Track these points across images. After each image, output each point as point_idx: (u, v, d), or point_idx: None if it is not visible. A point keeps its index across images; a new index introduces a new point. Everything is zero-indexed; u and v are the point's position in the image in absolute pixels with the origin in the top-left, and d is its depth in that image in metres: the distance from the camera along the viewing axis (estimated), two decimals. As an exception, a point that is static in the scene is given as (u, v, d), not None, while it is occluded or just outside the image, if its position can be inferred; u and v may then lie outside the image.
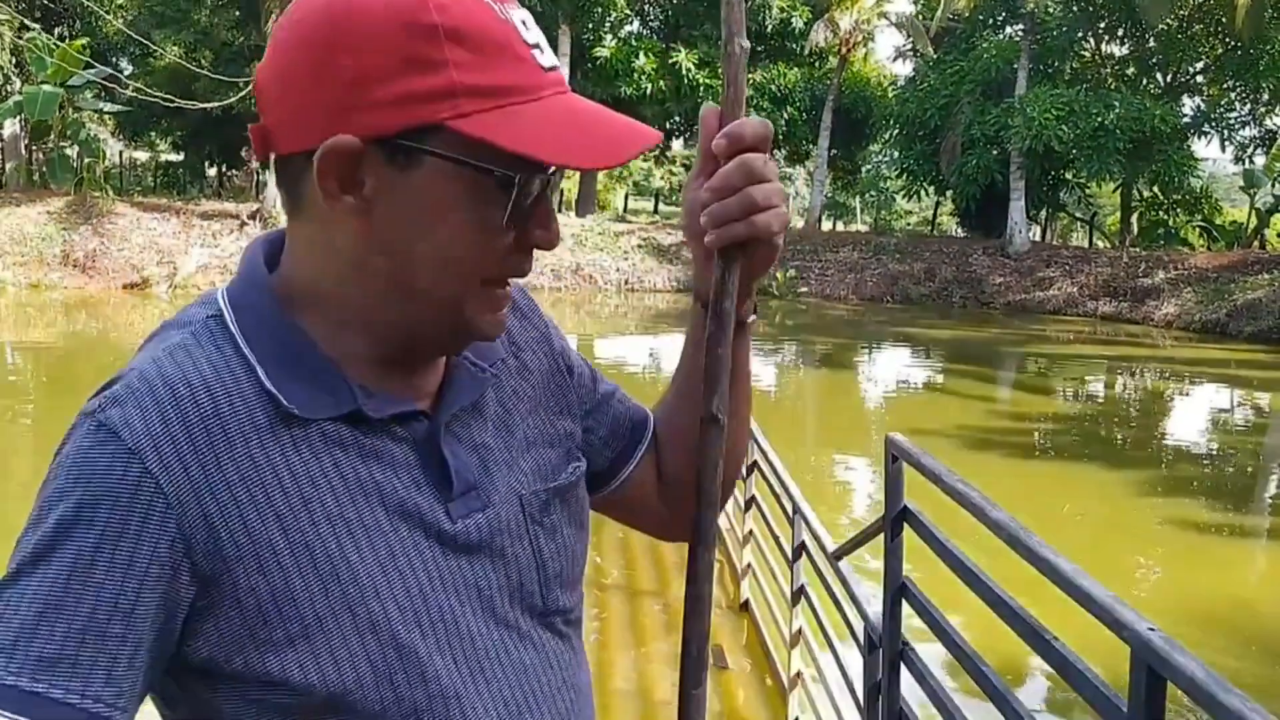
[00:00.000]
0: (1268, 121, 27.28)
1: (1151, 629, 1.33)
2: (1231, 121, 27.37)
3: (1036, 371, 15.80)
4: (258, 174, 27.01)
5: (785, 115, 28.23)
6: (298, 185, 0.77)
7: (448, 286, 0.78)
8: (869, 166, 33.51)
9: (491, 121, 0.73)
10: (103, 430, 0.70)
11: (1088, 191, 30.59)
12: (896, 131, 28.94)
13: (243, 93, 22.35)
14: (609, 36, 28.68)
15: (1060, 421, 11.89)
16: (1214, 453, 10.92)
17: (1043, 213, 31.05)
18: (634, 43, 28.50)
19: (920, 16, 28.56)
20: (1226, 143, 27.54)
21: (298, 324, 0.79)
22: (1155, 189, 27.42)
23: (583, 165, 0.75)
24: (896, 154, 30.21)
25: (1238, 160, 28.32)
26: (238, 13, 24.42)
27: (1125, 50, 28.30)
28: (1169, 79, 27.90)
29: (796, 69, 28.10)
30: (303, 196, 0.77)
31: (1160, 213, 28.73)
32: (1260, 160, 27.64)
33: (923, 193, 30.17)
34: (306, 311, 0.79)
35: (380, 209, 0.75)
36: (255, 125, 0.79)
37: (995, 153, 25.50)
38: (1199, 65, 27.58)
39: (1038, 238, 30.31)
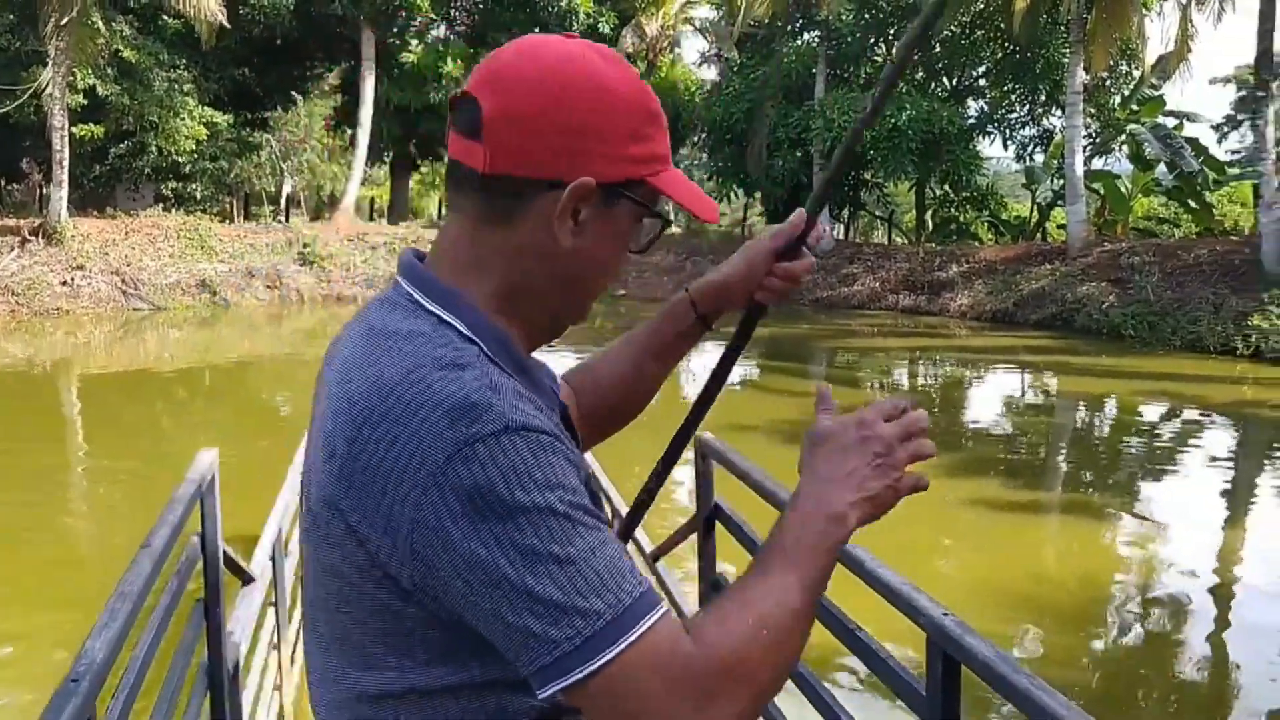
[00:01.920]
0: (1045, 121, 29.26)
1: (945, 614, 1.38)
2: (1012, 121, 29.27)
3: (846, 364, 16.41)
4: (41, 188, 25.32)
5: (596, 120, 28.39)
6: (517, 202, 0.97)
7: (595, 293, 1.05)
8: (679, 170, 34.06)
9: (668, 182, 1.02)
10: (547, 439, 0.89)
11: (885, 191, 32.06)
12: (705, 135, 29.59)
13: (20, 100, 20.87)
14: (414, 41, 28.17)
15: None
16: (1009, 434, 11.59)
17: (845, 211, 32.32)
18: (441, 48, 28.11)
19: (723, 22, 29.27)
20: (1009, 142, 29.47)
21: (499, 326, 1.00)
22: (946, 187, 28.99)
23: (707, 219, 1.07)
24: (705, 157, 30.90)
25: (1019, 158, 30.27)
26: (12, 16, 22.80)
27: (914, 56, 29.74)
28: (954, 83, 29.58)
29: (605, 74, 28.29)
30: (517, 212, 0.97)
31: (952, 209, 30.37)
32: (1040, 158, 29.63)
33: (732, 194, 30.93)
34: (501, 309, 1.00)
35: (584, 234, 0.98)
36: (473, 143, 0.97)
37: (799, 154, 26.41)
38: (981, 69, 29.36)
39: (841, 236, 31.52)
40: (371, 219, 37.09)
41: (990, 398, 14.16)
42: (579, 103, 0.95)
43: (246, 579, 3.14)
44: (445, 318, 0.97)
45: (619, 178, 0.98)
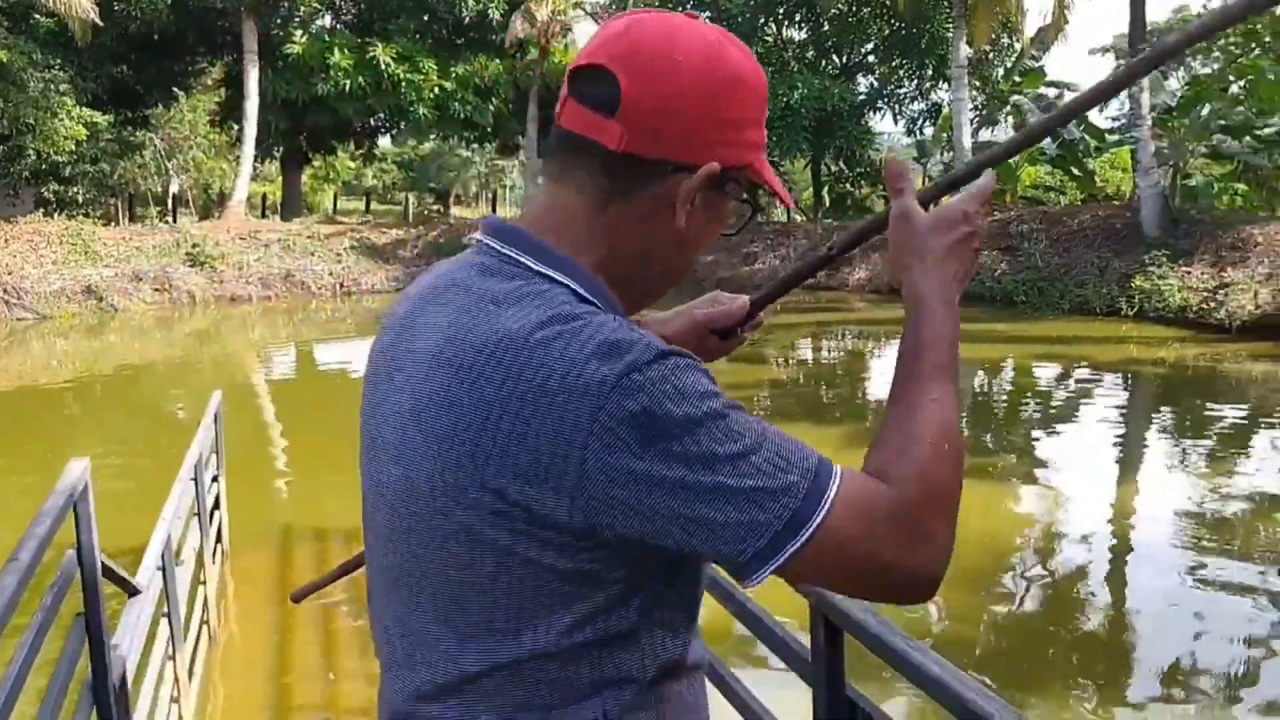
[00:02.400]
0: (933, 95, 29.86)
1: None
2: (901, 96, 29.82)
3: (751, 342, 16.56)
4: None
5: (492, 108, 28.17)
6: (645, 180, 0.99)
7: (684, 271, 1.07)
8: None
9: (766, 168, 1.05)
10: (686, 359, 0.92)
11: (782, 169, 32.42)
12: (601, 119, 29.45)
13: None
14: (299, 32, 27.48)
15: (776, 387, 12.54)
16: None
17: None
18: (327, 38, 27.49)
19: (614, 6, 29.21)
20: (899, 117, 30.00)
21: (610, 293, 1.01)
22: (840, 163, 29.42)
23: (789, 205, 1.34)
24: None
25: (910, 132, 30.88)
26: None
27: (804, 34, 30.14)
28: (844, 60, 29.99)
29: (498, 61, 28.03)
30: (643, 190, 1.00)
31: (847, 185, 30.84)
32: (929, 131, 30.26)
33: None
34: (608, 278, 1.02)
35: (697, 215, 1.01)
36: (604, 118, 0.97)
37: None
38: (870, 46, 29.81)
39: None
40: (264, 216, 36.23)
41: (889, 369, 14.44)
42: (719, 91, 0.98)
43: (132, 590, 3.03)
44: (560, 279, 0.98)
45: (738, 163, 1.02)
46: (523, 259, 0.99)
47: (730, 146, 1.00)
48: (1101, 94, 1.13)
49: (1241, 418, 10.44)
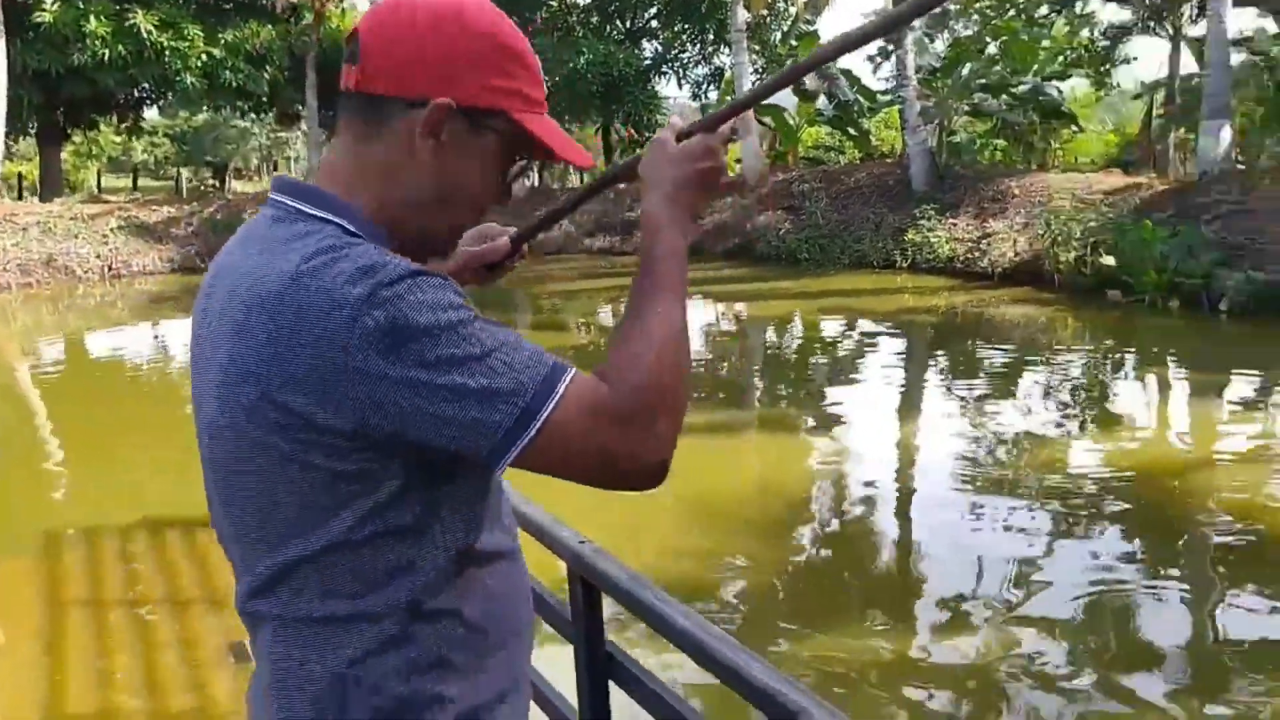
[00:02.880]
0: (715, 60, 30.48)
1: (582, 542, 1.45)
2: (685, 61, 30.31)
3: (550, 309, 16.62)
4: None
5: (266, 76, 26.91)
6: (384, 118, 1.11)
7: (460, 218, 1.19)
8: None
9: (533, 121, 1.14)
10: (434, 277, 1.03)
11: (572, 134, 32.43)
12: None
13: None
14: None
15: (576, 351, 12.62)
16: (707, 360, 12.18)
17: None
18: (81, 5, 25.51)
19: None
20: (684, 81, 30.51)
21: (381, 230, 1.13)
22: (629, 128, 29.70)
23: (579, 163, 1.19)
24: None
25: (695, 97, 31.42)
26: None
27: (587, 0, 30.15)
28: (629, 25, 30.21)
29: (271, 27, 26.75)
30: (385, 127, 1.11)
31: (636, 150, 31.16)
32: (714, 95, 30.90)
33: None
34: (384, 222, 1.13)
35: (446, 154, 1.11)
36: (350, 65, 1.11)
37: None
38: (653, 11, 30.11)
39: (536, 183, 31.69)
40: (21, 197, 33.51)
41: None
42: (443, 31, 1.09)
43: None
44: (330, 219, 1.11)
45: (479, 104, 1.11)
46: (302, 206, 1.12)
47: (464, 86, 1.10)
48: (842, 48, 1.24)
49: (1007, 360, 11.26)
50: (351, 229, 1.10)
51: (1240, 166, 17.22)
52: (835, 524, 6.57)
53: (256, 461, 1.08)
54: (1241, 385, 9.92)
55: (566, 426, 1.03)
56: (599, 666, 1.54)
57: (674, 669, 3.84)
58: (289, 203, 1.13)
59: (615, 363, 1.09)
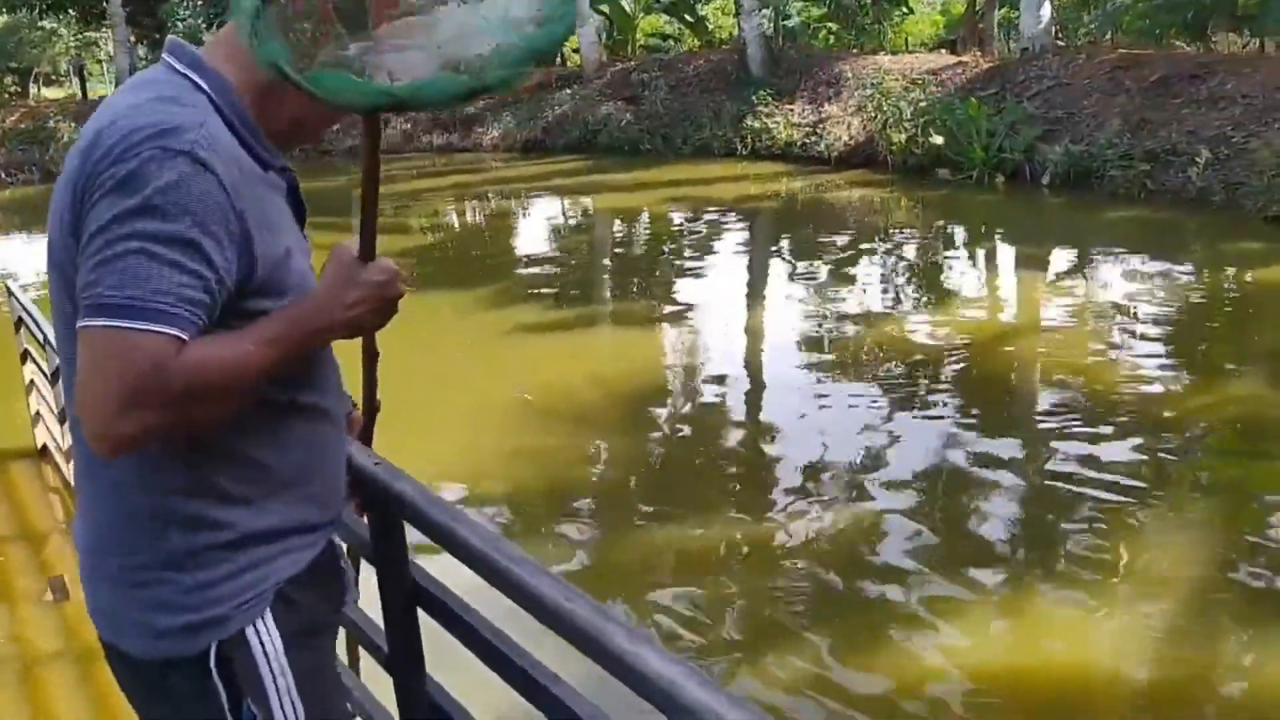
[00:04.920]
0: None
1: (377, 463, 1.43)
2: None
3: (392, 210, 16.15)
4: None
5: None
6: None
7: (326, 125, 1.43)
8: (178, 20, 30.89)
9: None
10: (211, 175, 1.14)
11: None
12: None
13: None
14: None
15: (420, 254, 12.36)
16: (554, 257, 12.11)
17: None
18: None
19: None
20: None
21: (244, 107, 1.23)
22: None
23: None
24: (199, 4, 28.13)
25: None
26: None
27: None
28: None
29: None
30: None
31: (470, 41, 30.18)
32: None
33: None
34: (253, 101, 1.24)
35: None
36: None
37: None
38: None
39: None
40: None
41: (533, 226, 14.65)
42: None
43: None
44: (186, 73, 1.22)
45: None
46: (176, 65, 1.23)
47: None
48: None
49: (845, 243, 11.56)
50: (201, 84, 1.21)
51: (1060, 43, 17.87)
52: (687, 412, 6.72)
53: (60, 297, 1.21)
54: (1062, 256, 10.48)
55: (105, 351, 1.10)
56: (404, 595, 1.50)
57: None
58: (169, 60, 1.24)
59: (200, 353, 1.13)
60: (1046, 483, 5.23)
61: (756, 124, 17.99)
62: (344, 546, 1.47)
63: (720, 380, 7.25)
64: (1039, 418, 6.21)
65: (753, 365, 7.77)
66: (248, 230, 1.18)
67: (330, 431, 1.38)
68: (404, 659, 1.51)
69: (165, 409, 1.11)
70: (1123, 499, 4.91)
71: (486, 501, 5.30)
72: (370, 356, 1.54)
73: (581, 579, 4.55)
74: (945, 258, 10.94)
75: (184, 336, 1.11)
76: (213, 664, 1.24)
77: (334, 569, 1.43)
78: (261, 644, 1.26)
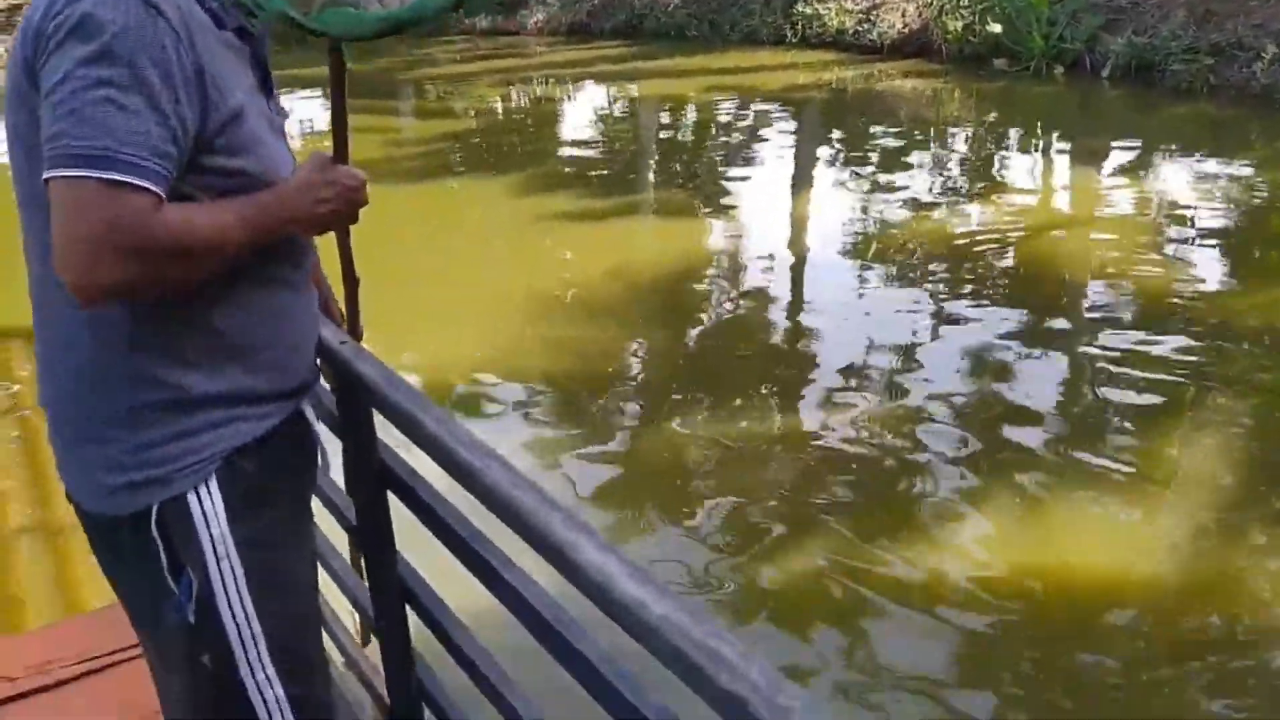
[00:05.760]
0: None
1: (343, 343, 1.43)
2: None
3: (436, 96, 16.00)
4: None
5: None
6: None
7: None
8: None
9: None
10: (170, 27, 1.16)
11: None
12: None
13: None
14: None
15: (463, 139, 12.26)
16: (599, 142, 11.97)
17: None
18: None
19: None
20: None
21: None
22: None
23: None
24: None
25: None
26: None
27: None
28: None
29: None
30: None
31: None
32: None
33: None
34: None
35: None
36: None
37: None
38: None
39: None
40: None
41: (575, 112, 14.45)
42: None
43: None
44: None
45: None
46: None
47: None
48: None
49: (896, 134, 11.31)
50: None
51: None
52: (728, 303, 6.69)
53: (25, 163, 1.23)
54: (1120, 151, 10.19)
55: (79, 202, 1.11)
56: (371, 476, 1.51)
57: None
58: None
59: (181, 216, 1.17)
60: (1089, 380, 5.19)
61: (808, 9, 17.45)
62: (314, 422, 1.46)
63: (763, 272, 7.20)
64: (1086, 314, 6.13)
65: (796, 257, 7.70)
66: (202, 79, 1.21)
67: (290, 301, 1.39)
68: (373, 537, 1.53)
69: (145, 263, 1.14)
70: (1166, 400, 4.87)
71: (524, 391, 5.36)
72: (351, 283, 1.65)
73: (616, 468, 4.62)
74: (998, 151, 10.68)
75: (159, 192, 1.14)
76: (153, 524, 1.26)
77: (297, 442, 1.42)
78: (202, 509, 1.27)
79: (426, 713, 1.67)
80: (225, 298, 1.29)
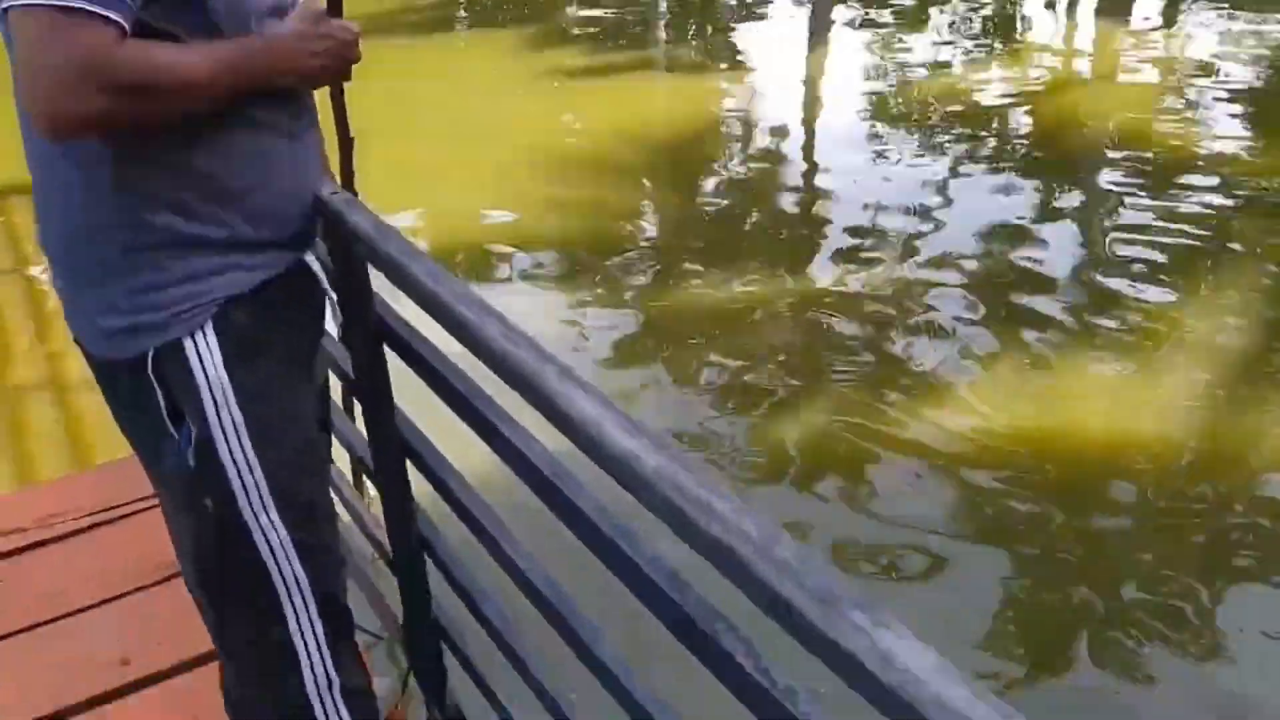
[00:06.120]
0: None
1: (334, 193, 1.39)
2: None
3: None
4: None
5: None
6: None
7: None
8: None
9: None
10: None
11: None
12: None
13: None
14: None
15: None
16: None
17: None
18: None
19: None
20: None
21: None
22: None
23: None
24: None
25: None
26: None
27: None
28: None
29: None
30: None
31: None
32: None
33: None
34: None
35: None
36: None
37: None
38: None
39: None
40: None
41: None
42: None
43: None
44: None
45: None
46: None
47: None
48: None
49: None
50: None
51: None
52: (740, 165, 6.57)
53: None
54: (1148, 4, 9.84)
55: (40, 30, 1.07)
56: (367, 330, 1.49)
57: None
58: None
59: (147, 50, 1.13)
60: (1104, 243, 5.11)
61: None
62: (323, 278, 1.43)
63: (776, 132, 7.05)
64: (1105, 174, 6.00)
65: (811, 117, 7.53)
66: None
67: (283, 148, 1.35)
68: (371, 392, 1.52)
69: (112, 96, 1.10)
70: (1182, 262, 4.81)
71: (533, 251, 5.31)
72: (345, 141, 1.64)
73: (626, 329, 4.61)
74: (1021, 7, 10.32)
75: (122, 23, 1.10)
76: (149, 368, 1.27)
77: (299, 296, 1.41)
78: (199, 355, 1.27)
79: (429, 563, 1.69)
80: (207, 140, 1.26)
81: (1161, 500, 3.43)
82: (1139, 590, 3.08)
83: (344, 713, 1.45)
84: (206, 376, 1.28)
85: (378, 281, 1.41)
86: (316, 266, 1.43)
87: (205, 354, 1.28)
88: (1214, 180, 5.66)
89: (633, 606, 1.08)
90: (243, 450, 1.31)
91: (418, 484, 1.60)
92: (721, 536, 0.81)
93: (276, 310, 1.36)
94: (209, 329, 1.28)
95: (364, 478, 2.25)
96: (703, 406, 3.97)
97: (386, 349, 1.48)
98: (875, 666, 0.69)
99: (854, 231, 5.37)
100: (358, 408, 1.80)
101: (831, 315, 4.60)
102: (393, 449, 1.57)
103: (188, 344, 1.27)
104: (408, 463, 1.58)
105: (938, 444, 3.68)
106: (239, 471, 1.31)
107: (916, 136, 6.65)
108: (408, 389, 1.56)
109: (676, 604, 1.00)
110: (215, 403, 1.28)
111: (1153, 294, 4.59)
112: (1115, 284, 4.72)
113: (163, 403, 1.30)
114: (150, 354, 1.27)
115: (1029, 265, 4.95)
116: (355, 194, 1.73)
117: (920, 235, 5.27)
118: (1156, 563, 3.19)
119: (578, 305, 4.79)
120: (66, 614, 2.18)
